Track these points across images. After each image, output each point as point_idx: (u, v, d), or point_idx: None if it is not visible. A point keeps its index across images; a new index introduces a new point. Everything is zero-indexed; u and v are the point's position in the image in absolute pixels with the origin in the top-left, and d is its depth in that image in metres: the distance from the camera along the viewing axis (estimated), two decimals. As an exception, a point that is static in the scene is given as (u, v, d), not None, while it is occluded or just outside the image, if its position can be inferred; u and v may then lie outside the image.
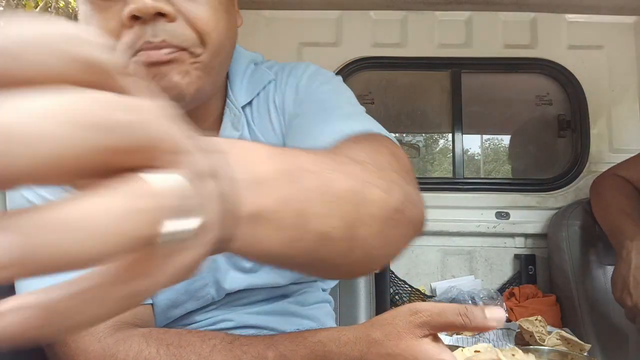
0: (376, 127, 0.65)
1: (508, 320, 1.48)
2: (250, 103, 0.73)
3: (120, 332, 0.62)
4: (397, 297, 1.66)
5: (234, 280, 0.71)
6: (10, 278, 0.18)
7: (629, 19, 1.74)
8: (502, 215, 1.71)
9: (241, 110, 0.71)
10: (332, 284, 0.93)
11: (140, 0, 0.52)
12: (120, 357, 0.60)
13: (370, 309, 1.27)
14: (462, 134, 1.79)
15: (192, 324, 0.74)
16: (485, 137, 2.39)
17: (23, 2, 3.98)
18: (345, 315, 1.21)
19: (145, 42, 0.55)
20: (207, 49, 0.59)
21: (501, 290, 1.70)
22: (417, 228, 0.51)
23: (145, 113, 0.20)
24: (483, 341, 1.26)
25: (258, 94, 0.74)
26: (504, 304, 1.58)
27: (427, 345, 0.50)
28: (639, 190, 1.32)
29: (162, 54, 0.56)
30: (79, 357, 0.61)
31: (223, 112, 0.70)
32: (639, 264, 1.12)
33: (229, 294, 0.73)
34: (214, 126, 0.70)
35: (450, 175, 1.82)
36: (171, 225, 0.21)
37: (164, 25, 0.56)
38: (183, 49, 0.57)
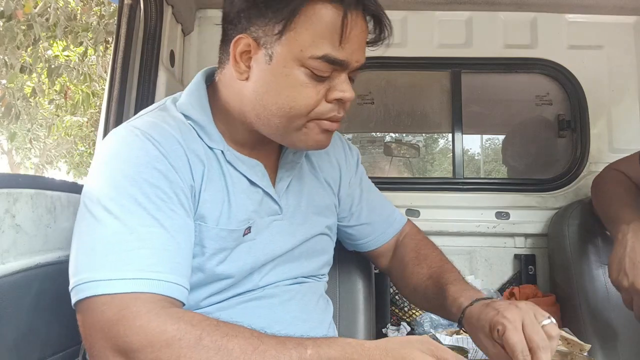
0: None
1: (508, 320, 1.48)
2: None
3: (176, 308, 0.70)
4: (397, 297, 1.66)
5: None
6: None
7: (629, 19, 1.74)
8: (502, 215, 1.71)
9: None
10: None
11: (349, 92, 0.81)
12: (186, 319, 0.67)
13: (370, 309, 1.27)
14: (462, 134, 1.79)
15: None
16: (485, 137, 2.40)
17: (23, 2, 3.98)
18: (345, 315, 1.21)
19: (334, 114, 0.82)
20: None
21: (501, 290, 1.70)
22: None
23: None
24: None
25: None
26: (504, 304, 1.58)
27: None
28: (638, 186, 1.33)
29: (336, 127, 0.85)
30: (154, 331, 0.65)
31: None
32: (635, 246, 1.12)
33: None
34: (274, 149, 0.94)
35: (450, 175, 1.82)
36: None
37: (344, 105, 0.83)
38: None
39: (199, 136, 0.85)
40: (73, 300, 0.69)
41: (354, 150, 1.13)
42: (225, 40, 0.84)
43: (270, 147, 0.93)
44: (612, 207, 1.29)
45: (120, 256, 0.69)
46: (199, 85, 0.90)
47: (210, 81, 0.92)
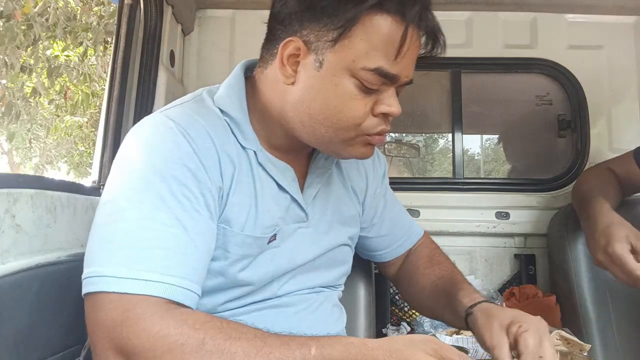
0: None
1: (508, 320, 1.48)
2: None
3: (182, 308, 0.68)
4: (397, 297, 1.66)
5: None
6: None
7: (629, 19, 1.74)
8: (502, 215, 1.71)
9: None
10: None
11: (396, 107, 0.79)
12: (189, 322, 0.65)
13: (370, 309, 1.27)
14: (462, 134, 1.79)
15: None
16: (485, 137, 2.40)
17: (22, 2, 3.98)
18: (345, 315, 1.21)
19: (382, 128, 0.80)
20: None
21: (501, 290, 1.70)
22: None
23: None
24: (483, 341, 1.25)
25: None
26: (504, 304, 1.58)
27: None
28: (622, 184, 1.35)
29: (383, 140, 0.83)
30: (157, 335, 0.63)
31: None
32: (591, 229, 1.18)
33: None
34: (305, 154, 0.91)
35: (450, 175, 1.82)
36: None
37: (389, 119, 0.81)
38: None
39: (233, 133, 0.81)
40: (83, 291, 0.68)
41: (382, 160, 1.10)
42: (272, 40, 0.80)
43: (302, 152, 0.90)
44: (581, 202, 1.32)
45: (134, 253, 0.67)
46: (239, 80, 0.85)
47: (246, 74, 0.88)
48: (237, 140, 0.82)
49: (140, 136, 0.76)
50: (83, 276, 0.69)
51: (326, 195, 0.94)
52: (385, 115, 0.80)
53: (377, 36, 0.73)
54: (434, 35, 0.78)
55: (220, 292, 0.81)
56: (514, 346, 0.77)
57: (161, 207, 0.70)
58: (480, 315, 0.85)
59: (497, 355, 0.77)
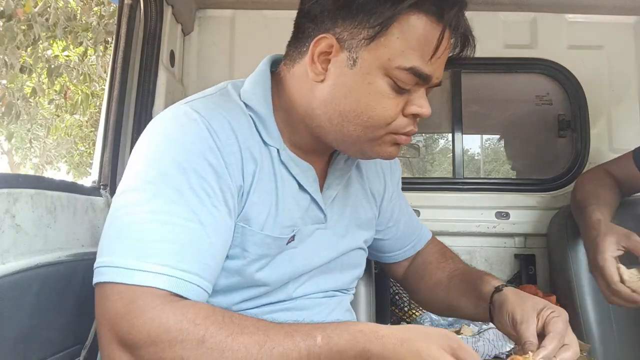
0: None
1: (508, 320, 1.48)
2: None
3: (183, 301, 0.67)
4: (397, 297, 1.66)
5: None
6: None
7: (629, 19, 1.74)
8: (502, 215, 1.71)
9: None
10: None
11: (427, 108, 0.79)
12: (189, 317, 0.64)
13: (371, 309, 1.27)
14: (462, 134, 1.79)
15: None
16: (485, 137, 2.40)
17: (22, 2, 3.98)
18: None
19: (411, 129, 0.80)
20: None
21: (501, 290, 1.70)
22: None
23: None
24: (483, 341, 1.26)
25: None
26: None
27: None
28: (621, 186, 1.34)
29: (409, 141, 0.82)
30: (157, 325, 0.63)
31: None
32: (588, 249, 1.19)
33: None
34: (325, 155, 0.90)
35: (450, 175, 1.82)
36: None
37: (417, 120, 0.81)
38: None
39: (257, 130, 0.80)
40: (94, 281, 0.68)
41: (397, 163, 1.10)
42: (301, 38, 0.79)
43: (323, 153, 0.89)
44: (577, 212, 1.32)
45: (147, 245, 0.66)
46: (264, 76, 0.84)
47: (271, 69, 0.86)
48: (261, 136, 0.80)
49: (161, 126, 0.75)
50: (95, 265, 0.69)
51: (345, 197, 0.93)
52: (414, 116, 0.79)
53: (414, 36, 0.72)
54: (466, 37, 0.78)
55: (235, 291, 0.80)
56: (540, 329, 0.79)
57: (178, 201, 0.69)
58: (511, 293, 0.87)
59: (524, 331, 0.79)
